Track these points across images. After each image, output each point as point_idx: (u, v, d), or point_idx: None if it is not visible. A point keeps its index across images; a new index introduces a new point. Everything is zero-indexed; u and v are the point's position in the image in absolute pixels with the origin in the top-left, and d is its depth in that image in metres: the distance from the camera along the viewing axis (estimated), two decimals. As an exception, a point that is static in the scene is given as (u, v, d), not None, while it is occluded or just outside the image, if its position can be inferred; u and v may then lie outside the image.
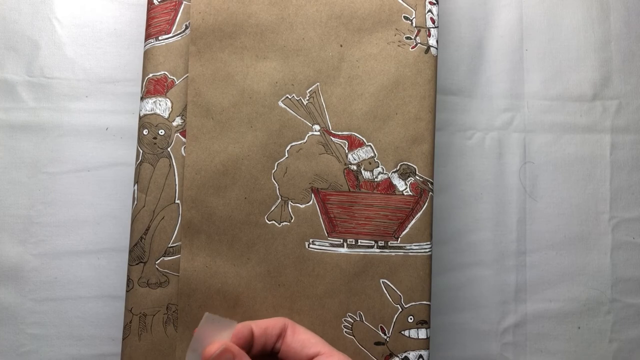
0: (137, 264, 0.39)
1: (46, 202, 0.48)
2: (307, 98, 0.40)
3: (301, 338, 0.36)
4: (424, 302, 0.39)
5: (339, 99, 0.40)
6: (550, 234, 0.52)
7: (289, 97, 0.40)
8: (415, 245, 0.40)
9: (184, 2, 0.41)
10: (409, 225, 0.40)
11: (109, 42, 0.50)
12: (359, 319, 0.39)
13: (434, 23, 0.41)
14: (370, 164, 0.40)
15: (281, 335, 0.36)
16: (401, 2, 0.41)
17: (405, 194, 0.40)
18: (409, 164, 0.40)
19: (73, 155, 0.48)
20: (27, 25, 0.49)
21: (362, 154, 0.40)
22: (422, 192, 0.40)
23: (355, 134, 0.40)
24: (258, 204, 0.39)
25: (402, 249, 0.40)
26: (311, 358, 0.35)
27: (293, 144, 0.40)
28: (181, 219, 0.39)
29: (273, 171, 0.40)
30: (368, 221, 0.40)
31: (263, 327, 0.35)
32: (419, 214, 0.40)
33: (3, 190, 0.48)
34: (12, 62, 0.49)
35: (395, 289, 0.39)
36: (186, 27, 0.41)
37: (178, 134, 0.40)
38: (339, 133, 0.40)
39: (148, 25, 0.41)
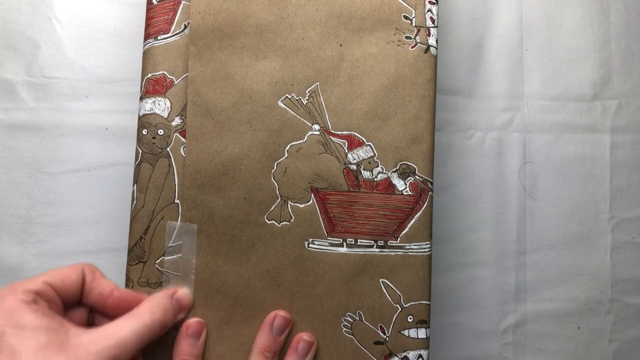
0: (136, 263, 0.39)
1: (46, 202, 0.48)
2: (307, 98, 0.40)
3: (101, 286, 0.35)
4: (424, 302, 0.39)
5: (339, 99, 0.40)
6: (550, 234, 0.52)
7: (289, 96, 0.40)
8: (414, 245, 0.40)
9: (183, 1, 0.41)
10: (409, 225, 0.40)
11: (109, 42, 0.50)
12: (358, 319, 0.39)
13: (433, 22, 0.41)
14: (369, 163, 0.40)
15: (83, 282, 0.35)
16: (401, 1, 0.41)
17: (405, 193, 0.40)
18: (408, 163, 0.40)
19: (73, 155, 0.48)
20: (27, 25, 0.49)
21: (362, 153, 0.40)
22: (422, 191, 0.40)
23: (355, 133, 0.40)
24: (258, 203, 0.39)
25: (401, 249, 0.39)
26: (119, 307, 0.35)
27: (293, 143, 0.40)
28: (181, 218, 0.39)
29: (273, 171, 0.40)
30: (367, 221, 0.40)
31: (59, 278, 0.34)
32: (418, 214, 0.40)
33: (3, 190, 0.48)
34: (12, 62, 0.49)
35: (395, 289, 0.39)
36: (185, 27, 0.41)
37: (177, 134, 0.40)
38: (339, 133, 0.40)
39: (147, 25, 0.41)
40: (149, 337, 0.33)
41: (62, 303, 0.34)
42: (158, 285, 0.39)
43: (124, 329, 0.32)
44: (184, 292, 0.38)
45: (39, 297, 0.32)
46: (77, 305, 0.35)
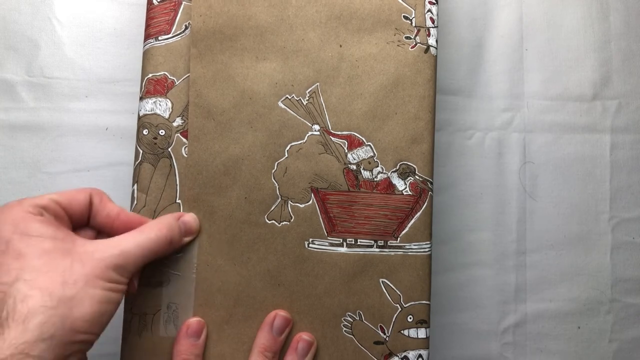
0: (137, 263, 0.39)
1: (46, 202, 0.48)
2: (307, 98, 0.40)
3: (108, 208, 0.36)
4: (424, 302, 0.39)
5: (339, 99, 0.40)
6: (550, 234, 0.52)
7: (289, 97, 0.40)
8: (414, 245, 0.40)
9: (184, 2, 0.41)
10: (409, 225, 0.40)
11: (109, 42, 0.50)
12: (358, 318, 0.39)
13: (433, 23, 0.41)
14: (369, 163, 0.40)
15: (91, 204, 0.36)
16: (401, 1, 0.41)
17: (405, 193, 0.40)
18: (408, 163, 0.40)
19: (73, 155, 0.48)
20: (27, 25, 0.49)
21: (362, 153, 0.40)
22: (422, 191, 0.40)
23: (355, 133, 0.40)
24: (258, 203, 0.39)
25: (401, 249, 0.40)
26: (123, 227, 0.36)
27: (293, 143, 0.40)
28: (181, 218, 0.39)
29: (273, 171, 0.40)
30: (367, 221, 0.40)
31: (67, 197, 0.35)
32: (418, 214, 0.40)
33: (3, 190, 0.48)
34: (12, 62, 0.49)
35: (395, 289, 0.39)
36: (186, 28, 0.41)
37: (179, 135, 0.40)
38: (339, 133, 0.40)
39: (147, 26, 0.41)
40: (154, 251, 0.35)
41: (69, 220, 0.34)
42: (159, 285, 0.39)
43: (128, 241, 0.33)
44: (190, 215, 0.39)
45: (45, 211, 0.33)
46: (85, 227, 0.36)
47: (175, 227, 0.37)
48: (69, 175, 0.48)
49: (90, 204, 0.36)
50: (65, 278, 0.30)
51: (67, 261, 0.31)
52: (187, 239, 0.38)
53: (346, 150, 0.40)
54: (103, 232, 0.37)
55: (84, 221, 0.36)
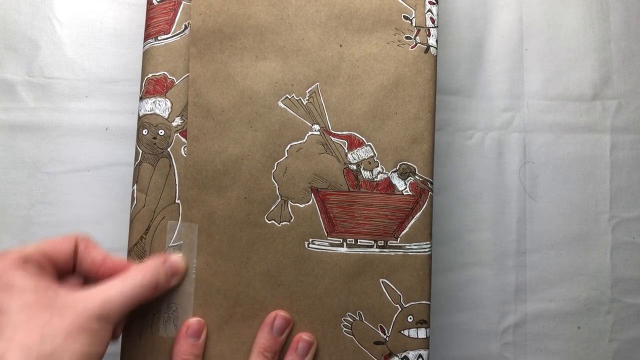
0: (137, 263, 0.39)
1: (46, 202, 0.48)
2: (307, 98, 0.40)
3: (92, 254, 0.36)
4: (424, 302, 0.39)
5: (339, 99, 0.40)
6: (550, 234, 0.52)
7: (289, 97, 0.40)
8: (414, 245, 0.40)
9: (183, 2, 0.41)
10: (409, 225, 0.40)
11: (109, 42, 0.50)
12: (358, 319, 0.39)
13: (433, 23, 0.41)
14: (369, 163, 0.40)
15: (76, 251, 0.35)
16: (401, 1, 0.41)
17: (405, 193, 0.40)
18: (408, 163, 0.40)
19: (73, 155, 0.48)
20: (27, 25, 0.49)
21: (362, 153, 0.40)
22: (422, 191, 0.40)
23: (355, 133, 0.40)
24: (258, 203, 0.39)
25: (401, 249, 0.40)
26: (109, 273, 0.35)
27: (293, 143, 0.40)
28: (182, 218, 0.39)
29: (273, 171, 0.40)
30: (367, 221, 0.40)
31: (51, 245, 0.34)
32: (418, 214, 0.40)
33: (3, 190, 0.48)
34: (12, 62, 0.49)
35: (395, 289, 0.39)
36: (185, 27, 0.41)
37: (178, 134, 0.40)
38: (339, 133, 0.40)
39: (147, 26, 0.41)
40: (139, 298, 0.34)
41: (53, 269, 0.34)
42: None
43: (112, 289, 0.33)
44: (176, 257, 0.38)
45: (28, 262, 0.32)
46: (72, 274, 0.36)
47: (161, 272, 0.36)
48: (69, 175, 0.48)
49: (76, 251, 0.35)
50: (45, 333, 0.30)
51: (47, 315, 0.30)
52: (174, 281, 0.38)
53: (346, 150, 0.40)
54: (89, 278, 0.36)
55: (69, 269, 0.35)
